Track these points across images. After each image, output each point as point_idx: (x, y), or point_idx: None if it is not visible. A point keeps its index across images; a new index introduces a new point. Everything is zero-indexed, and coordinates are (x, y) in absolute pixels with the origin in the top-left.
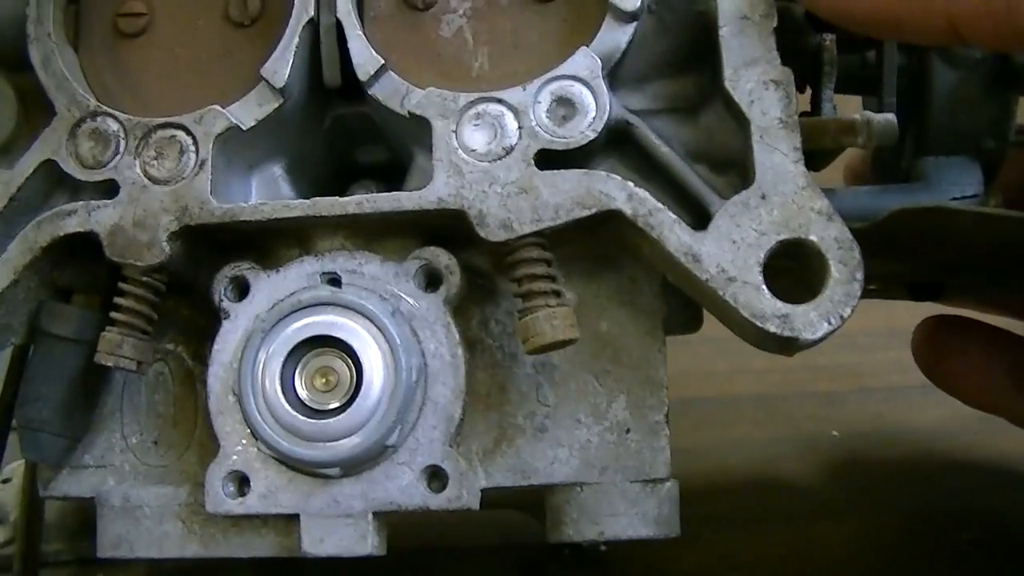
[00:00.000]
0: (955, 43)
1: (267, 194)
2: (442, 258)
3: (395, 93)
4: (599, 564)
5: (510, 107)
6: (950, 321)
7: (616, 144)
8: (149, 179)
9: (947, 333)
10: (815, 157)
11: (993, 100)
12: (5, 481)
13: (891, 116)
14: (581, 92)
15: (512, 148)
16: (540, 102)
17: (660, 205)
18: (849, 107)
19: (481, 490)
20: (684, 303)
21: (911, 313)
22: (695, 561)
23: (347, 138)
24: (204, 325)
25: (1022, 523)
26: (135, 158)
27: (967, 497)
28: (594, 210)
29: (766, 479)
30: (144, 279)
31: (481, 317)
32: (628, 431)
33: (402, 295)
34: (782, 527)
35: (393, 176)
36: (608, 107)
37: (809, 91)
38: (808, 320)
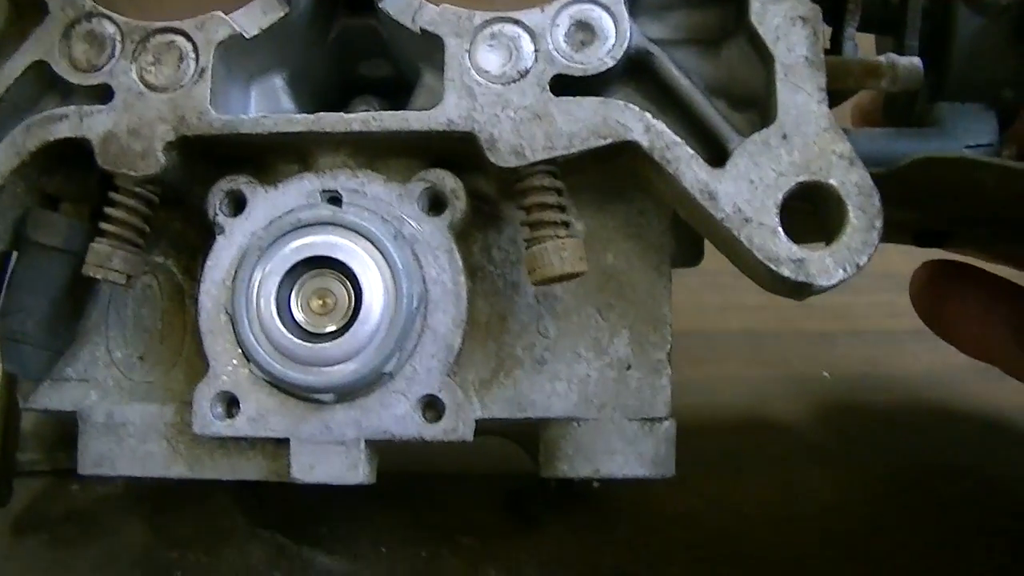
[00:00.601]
0: None
1: (267, 106)
2: (448, 181)
3: (407, 7)
4: (585, 502)
5: (527, 29)
6: (951, 267)
7: (634, 73)
8: (146, 85)
9: (947, 279)
10: (831, 96)
11: (1015, 50)
12: None
13: (916, 60)
14: (601, 17)
15: (527, 71)
16: (558, 25)
17: (678, 139)
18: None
19: (475, 420)
20: (688, 236)
21: (906, 257)
22: (680, 501)
23: (351, 51)
24: (196, 239)
25: (1011, 477)
26: (131, 63)
27: (957, 448)
28: (610, 140)
29: (755, 419)
30: (137, 190)
31: (484, 243)
32: (629, 368)
33: (405, 218)
34: (769, 470)
35: (397, 92)
36: (628, 34)
37: (829, 29)
38: (823, 266)
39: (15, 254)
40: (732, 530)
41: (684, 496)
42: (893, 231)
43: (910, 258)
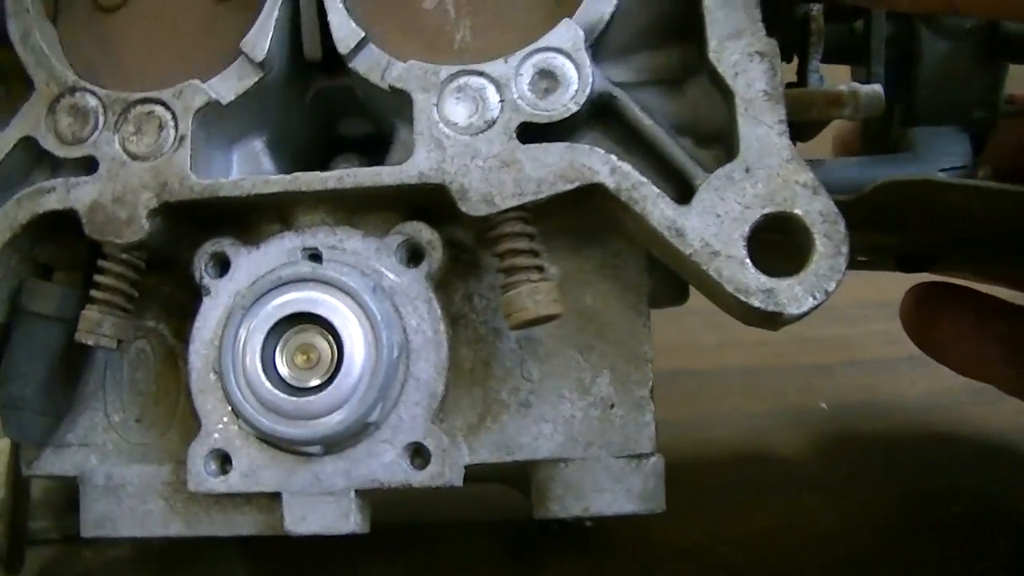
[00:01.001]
0: (948, 12)
1: (248, 168)
2: (424, 233)
3: (376, 66)
4: (587, 538)
5: (492, 80)
6: (939, 288)
7: (599, 116)
8: (128, 155)
9: (937, 300)
10: (802, 128)
11: (982, 70)
12: None
13: (878, 87)
14: (564, 64)
15: (494, 121)
16: (522, 75)
17: (643, 179)
18: (837, 76)
19: (465, 466)
20: (670, 276)
21: (900, 285)
22: (683, 535)
23: (329, 111)
24: (186, 302)
25: (1011, 497)
26: (114, 133)
27: (956, 470)
28: (577, 184)
29: (754, 452)
30: (124, 256)
31: (465, 291)
32: (612, 406)
33: (383, 270)
34: (770, 501)
35: (376, 148)
36: (591, 79)
37: (795, 61)
38: (793, 294)
39: (11, 324)
40: (735, 562)
41: (687, 530)
42: (875, 257)
43: (902, 285)
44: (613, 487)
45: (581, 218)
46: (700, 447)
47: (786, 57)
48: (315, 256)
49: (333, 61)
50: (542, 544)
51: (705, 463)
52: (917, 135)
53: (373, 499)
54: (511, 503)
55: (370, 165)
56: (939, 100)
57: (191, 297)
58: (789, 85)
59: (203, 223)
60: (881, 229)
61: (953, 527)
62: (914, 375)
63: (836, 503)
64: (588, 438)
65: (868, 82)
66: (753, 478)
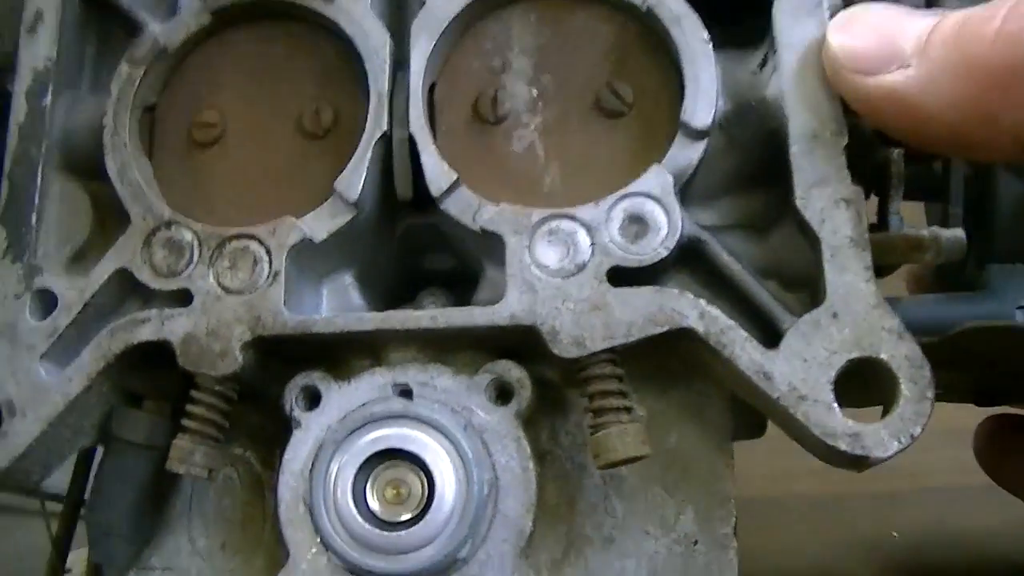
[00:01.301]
0: (1022, 160)
1: (338, 302)
2: (514, 372)
3: (467, 208)
4: None
5: (583, 224)
6: (1014, 420)
7: (686, 259)
8: (223, 289)
9: (1010, 432)
10: (879, 269)
11: None
12: (67, 572)
13: (960, 232)
14: (654, 209)
15: (585, 265)
16: (613, 219)
17: (732, 323)
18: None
19: None
20: (749, 410)
21: (969, 412)
22: None
23: (416, 246)
24: (273, 432)
25: None
26: (209, 268)
27: None
28: (666, 328)
29: None
30: (216, 388)
31: (551, 429)
32: (696, 543)
33: (474, 408)
34: None
35: (460, 283)
36: (680, 225)
37: (874, 199)
38: (879, 439)
39: (100, 449)
40: None
41: None
42: (953, 392)
43: (973, 413)
44: None
45: (666, 359)
46: None
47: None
48: (406, 392)
49: (422, 199)
50: None
51: None
52: (993, 273)
53: None
54: None
55: (455, 299)
56: (1015, 239)
57: (279, 427)
58: (870, 227)
59: (293, 357)
60: (961, 368)
61: None
62: (987, 504)
63: None
64: (672, 575)
65: (945, 222)
66: None
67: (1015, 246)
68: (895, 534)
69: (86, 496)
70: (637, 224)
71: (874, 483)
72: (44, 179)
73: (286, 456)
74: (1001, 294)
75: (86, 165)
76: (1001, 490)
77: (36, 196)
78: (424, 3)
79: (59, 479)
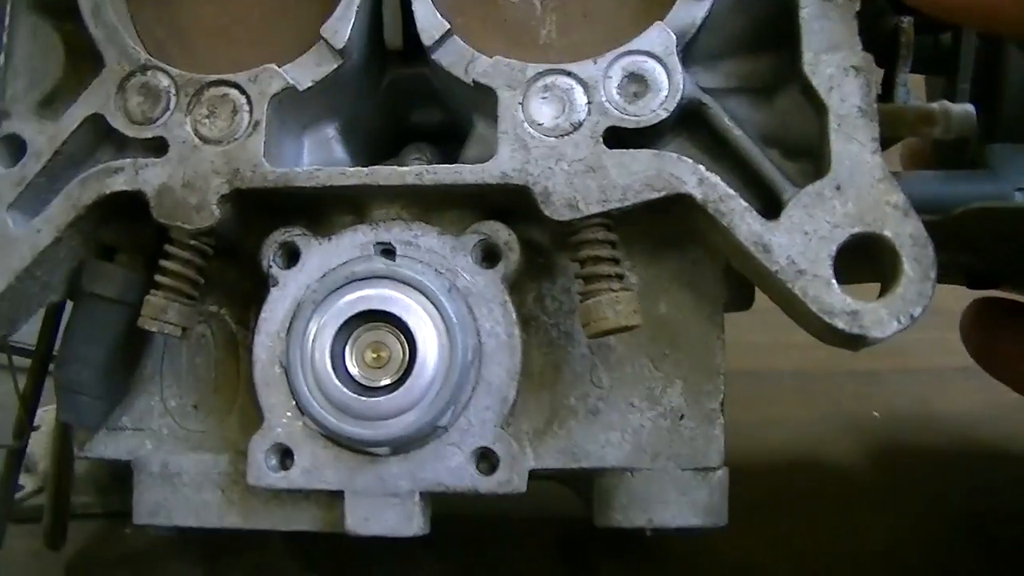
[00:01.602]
0: None
1: (320, 156)
2: (502, 234)
3: (460, 59)
4: (641, 547)
5: (580, 81)
6: (1001, 304)
7: (687, 123)
8: (200, 138)
9: (998, 316)
10: (883, 142)
11: None
12: (35, 428)
13: (970, 107)
14: (654, 69)
15: (581, 124)
16: (611, 77)
17: (731, 191)
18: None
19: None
20: (739, 281)
21: (954, 293)
22: (737, 548)
23: (403, 99)
24: (249, 289)
25: None
26: (186, 116)
27: (1010, 489)
28: (663, 193)
29: (807, 461)
30: (191, 242)
31: (537, 293)
32: (682, 417)
33: (459, 270)
34: (823, 514)
35: (447, 138)
36: (681, 86)
37: (880, 72)
38: (878, 317)
39: (69, 304)
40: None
41: (739, 540)
42: (945, 273)
43: (960, 295)
44: (678, 500)
45: (661, 226)
46: (753, 453)
47: None
48: (389, 251)
49: (412, 50)
50: (595, 549)
51: (758, 470)
52: (996, 152)
53: (432, 499)
54: (563, 500)
55: (442, 155)
56: (1022, 118)
57: (255, 284)
58: (877, 99)
59: (272, 210)
60: (958, 249)
61: (1007, 545)
62: (968, 387)
63: (887, 519)
64: (656, 449)
65: (951, 96)
66: (805, 488)
67: (1021, 126)
68: (876, 413)
69: (55, 352)
70: (636, 83)
71: (857, 361)
72: (12, 17)
73: (262, 315)
74: (1003, 174)
75: (58, 4)
76: (983, 373)
77: (3, 35)
78: None
79: (28, 332)
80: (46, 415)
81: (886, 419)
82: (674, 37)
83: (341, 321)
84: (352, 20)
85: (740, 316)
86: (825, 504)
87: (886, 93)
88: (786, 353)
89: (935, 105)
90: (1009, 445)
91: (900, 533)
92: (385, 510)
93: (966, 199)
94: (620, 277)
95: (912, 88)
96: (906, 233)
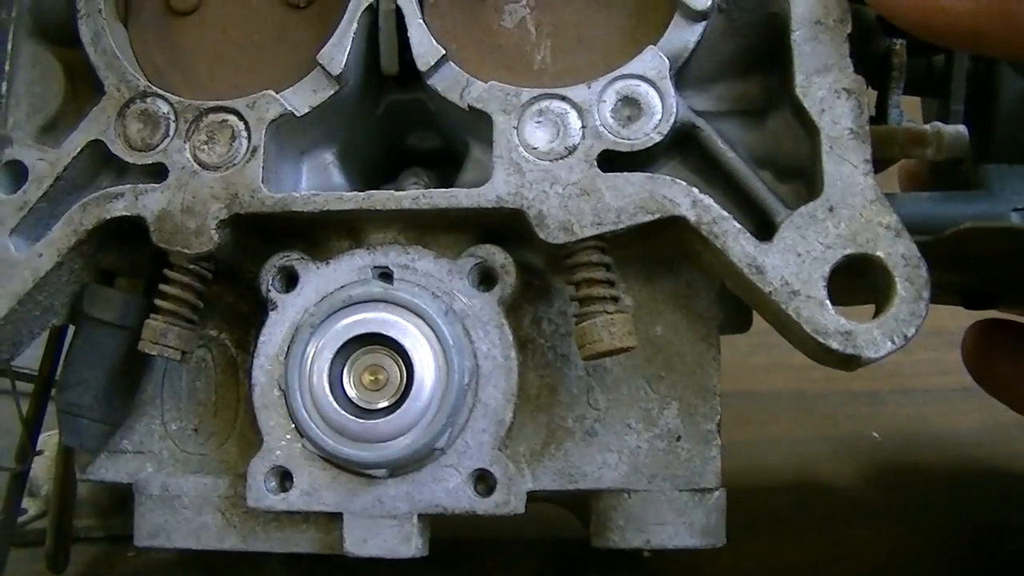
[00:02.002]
0: None
1: (318, 180)
2: (498, 257)
3: (455, 84)
4: (635, 565)
5: (574, 105)
6: (1002, 325)
7: (680, 146)
8: (199, 164)
9: (999, 337)
10: (877, 163)
11: None
12: (38, 453)
13: (962, 128)
14: (647, 92)
15: (575, 148)
16: (605, 101)
17: (725, 213)
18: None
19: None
20: (736, 303)
21: (953, 314)
22: (734, 565)
23: (399, 124)
24: (248, 313)
25: None
26: (185, 142)
27: (1009, 507)
28: (657, 215)
29: (805, 480)
30: (191, 267)
31: (533, 316)
32: (679, 439)
33: (455, 293)
34: (820, 532)
35: (444, 162)
36: (675, 109)
37: (872, 93)
38: (871, 338)
39: (71, 328)
40: None
41: (735, 558)
42: (941, 293)
43: (957, 315)
44: (675, 520)
45: (655, 248)
46: (750, 472)
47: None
48: (386, 275)
49: (408, 75)
50: (590, 568)
51: (755, 489)
52: (990, 172)
53: (431, 520)
54: (559, 521)
55: (438, 179)
56: (1015, 138)
57: (254, 308)
58: (869, 120)
59: (271, 235)
60: (953, 269)
61: (1005, 564)
62: (966, 407)
63: (885, 537)
64: (653, 470)
65: (944, 118)
66: (804, 507)
67: (1015, 145)
68: (875, 434)
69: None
70: (630, 107)
71: (855, 382)
72: (14, 45)
73: (261, 338)
74: (997, 194)
75: (59, 31)
76: (983, 393)
77: (6, 62)
78: None
79: (31, 356)
80: (49, 440)
81: (885, 439)
82: (667, 61)
83: (339, 344)
84: (348, 46)
85: (739, 337)
86: (824, 523)
87: (879, 115)
88: (785, 373)
89: (927, 127)
90: (1008, 464)
91: (899, 552)
92: (383, 531)
93: (960, 219)
94: (615, 299)
95: (908, 110)
96: (899, 253)
